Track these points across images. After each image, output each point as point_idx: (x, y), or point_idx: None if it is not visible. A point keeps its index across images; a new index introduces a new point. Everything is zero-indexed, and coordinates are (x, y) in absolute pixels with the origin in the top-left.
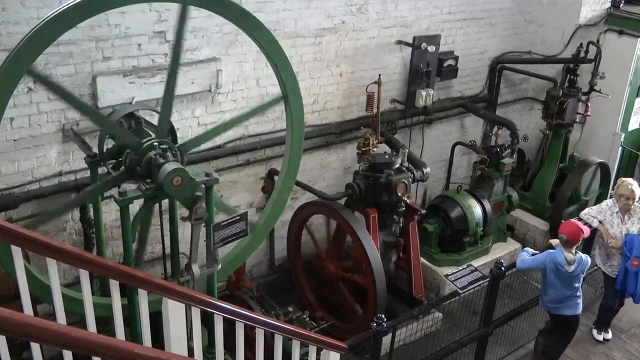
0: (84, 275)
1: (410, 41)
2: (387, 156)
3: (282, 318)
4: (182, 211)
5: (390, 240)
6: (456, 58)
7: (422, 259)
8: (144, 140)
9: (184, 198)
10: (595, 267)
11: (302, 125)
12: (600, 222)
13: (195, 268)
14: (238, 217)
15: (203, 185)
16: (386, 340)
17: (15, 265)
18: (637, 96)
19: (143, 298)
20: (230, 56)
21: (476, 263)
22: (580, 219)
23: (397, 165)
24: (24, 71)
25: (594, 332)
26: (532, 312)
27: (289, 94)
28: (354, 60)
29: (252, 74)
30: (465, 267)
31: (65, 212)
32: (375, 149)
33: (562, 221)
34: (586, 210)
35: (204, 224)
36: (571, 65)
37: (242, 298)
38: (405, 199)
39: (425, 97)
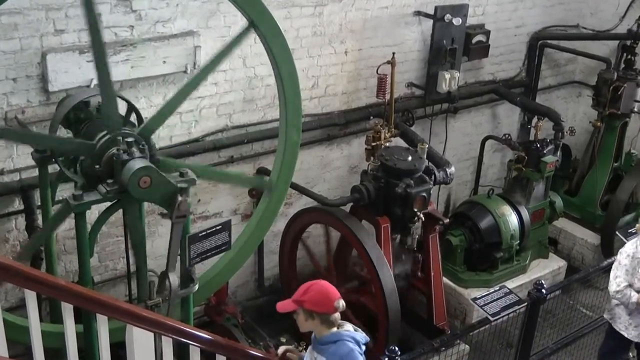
0: (31, 297)
1: (432, 12)
2: (410, 158)
3: (272, 351)
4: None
5: (405, 256)
6: (487, 33)
7: (444, 279)
8: (96, 140)
9: (157, 199)
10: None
11: (294, 77)
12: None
13: (174, 278)
14: (220, 227)
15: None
16: None
17: None
18: None
19: (103, 325)
20: (210, 29)
21: (511, 284)
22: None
23: (420, 174)
24: None
25: None
26: (578, 344)
27: (257, 20)
28: (362, 36)
29: (237, 52)
30: (497, 289)
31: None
32: (387, 144)
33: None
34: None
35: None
36: (628, 43)
37: (224, 326)
38: (421, 214)
39: (449, 80)
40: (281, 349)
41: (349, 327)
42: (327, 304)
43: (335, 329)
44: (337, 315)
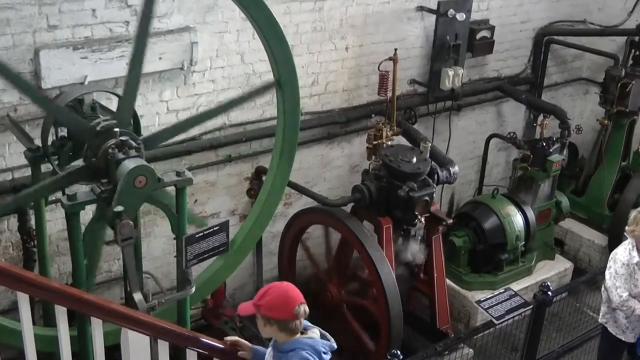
0: (23, 300)
1: (435, 7)
2: (414, 159)
3: None
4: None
5: (408, 258)
6: (492, 28)
7: (448, 281)
8: (95, 123)
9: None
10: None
11: (291, 64)
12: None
13: (139, 297)
14: (217, 228)
15: (174, 187)
16: None
17: None
18: None
19: (97, 329)
20: (207, 25)
21: (516, 286)
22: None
23: (424, 177)
24: None
25: None
26: (585, 348)
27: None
28: (363, 31)
29: (235, 48)
30: (502, 291)
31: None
32: (389, 143)
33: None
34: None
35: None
36: (636, 38)
37: (222, 329)
38: (422, 218)
39: (452, 77)
40: (229, 339)
41: (314, 333)
42: (285, 310)
43: (297, 336)
44: (298, 322)
